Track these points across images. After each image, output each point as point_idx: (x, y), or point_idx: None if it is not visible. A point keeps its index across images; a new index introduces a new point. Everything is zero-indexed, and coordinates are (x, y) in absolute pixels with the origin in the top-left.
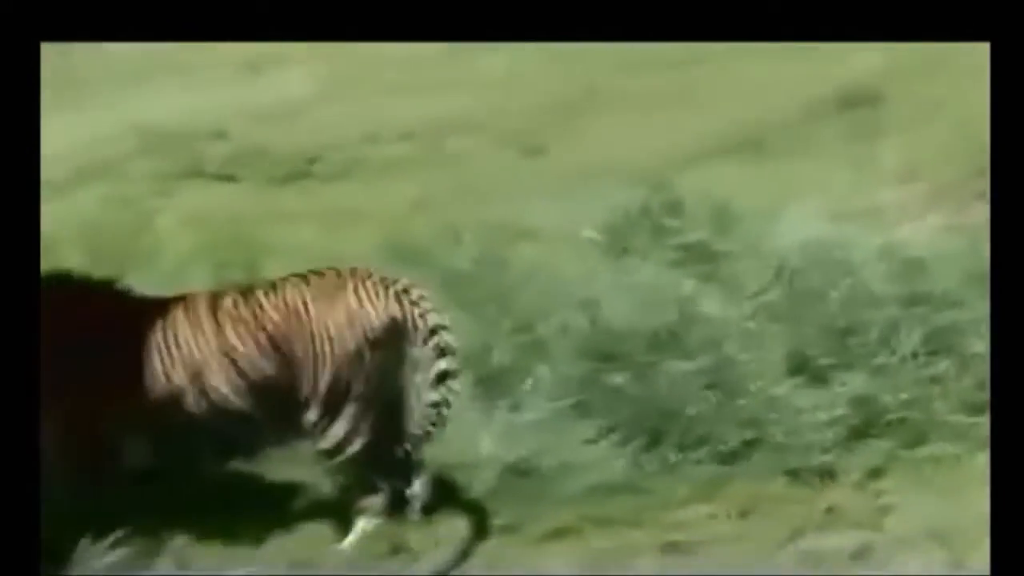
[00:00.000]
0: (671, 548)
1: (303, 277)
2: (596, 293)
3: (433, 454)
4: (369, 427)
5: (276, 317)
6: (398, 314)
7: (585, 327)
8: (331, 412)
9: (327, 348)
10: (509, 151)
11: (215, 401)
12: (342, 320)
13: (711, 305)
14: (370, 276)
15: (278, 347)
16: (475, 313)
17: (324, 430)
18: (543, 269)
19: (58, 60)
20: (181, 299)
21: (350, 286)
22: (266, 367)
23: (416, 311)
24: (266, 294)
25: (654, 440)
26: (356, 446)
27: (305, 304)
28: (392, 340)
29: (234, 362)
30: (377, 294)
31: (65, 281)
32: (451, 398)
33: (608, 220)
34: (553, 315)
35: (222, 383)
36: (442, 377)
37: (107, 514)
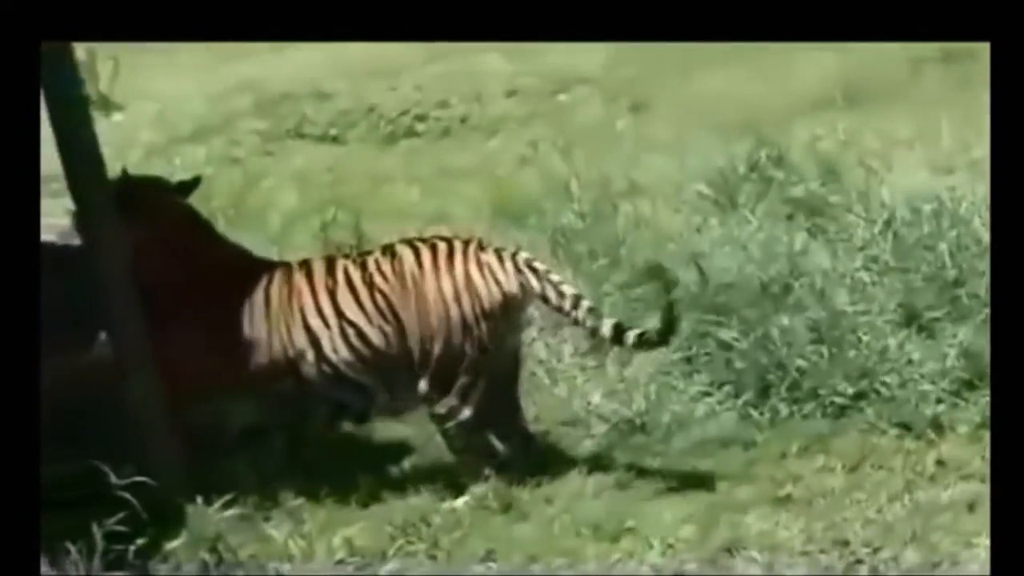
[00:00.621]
0: (782, 502)
1: (417, 244)
2: (705, 247)
3: (544, 410)
4: (482, 395)
5: (389, 285)
6: (513, 286)
7: (694, 281)
8: (443, 382)
9: (439, 318)
10: (616, 106)
11: (329, 367)
12: (455, 290)
13: (820, 258)
14: (485, 246)
15: (391, 316)
16: (584, 269)
17: (436, 399)
18: (652, 224)
19: None
20: (302, 263)
21: (464, 256)
22: (379, 335)
23: (550, 283)
24: (380, 261)
25: (764, 394)
26: (468, 413)
27: (419, 273)
28: (506, 310)
29: (348, 329)
30: (492, 265)
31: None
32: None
33: (716, 174)
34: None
35: (337, 350)
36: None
37: (219, 474)
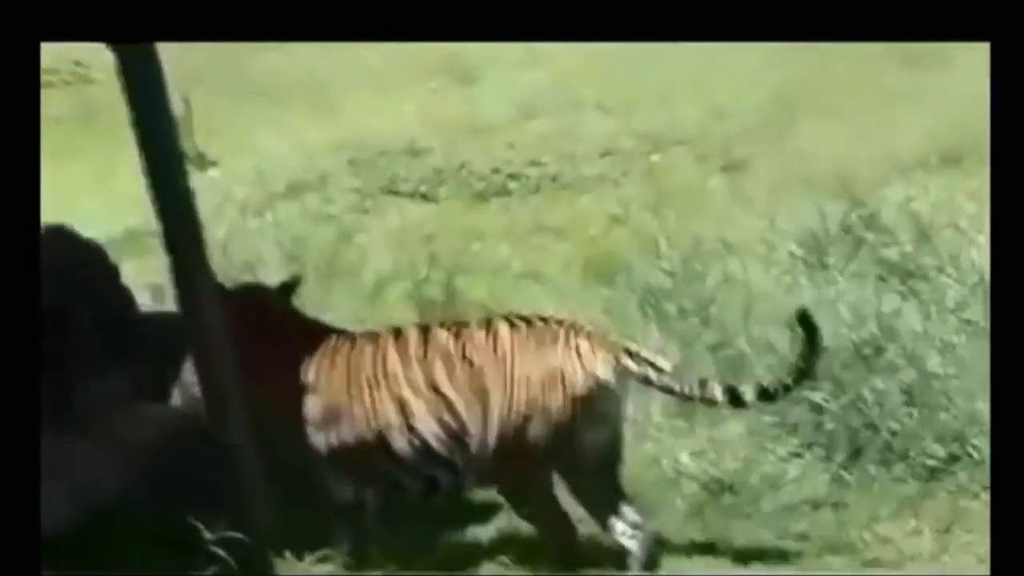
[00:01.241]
0: (873, 564)
1: (516, 321)
2: (796, 307)
3: (632, 469)
4: (574, 485)
5: (483, 361)
6: (607, 374)
7: (785, 342)
8: (522, 464)
9: (528, 401)
10: (709, 166)
11: (419, 441)
12: (547, 375)
13: (911, 319)
14: (581, 330)
15: (481, 392)
16: (674, 328)
17: (509, 479)
18: (743, 283)
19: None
20: (396, 332)
21: (559, 340)
22: (468, 411)
23: (649, 364)
24: (476, 335)
25: (855, 455)
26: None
27: (512, 352)
28: (598, 399)
29: (439, 402)
30: (585, 352)
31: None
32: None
33: (807, 234)
34: (753, 329)
35: (427, 423)
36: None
37: (313, 531)
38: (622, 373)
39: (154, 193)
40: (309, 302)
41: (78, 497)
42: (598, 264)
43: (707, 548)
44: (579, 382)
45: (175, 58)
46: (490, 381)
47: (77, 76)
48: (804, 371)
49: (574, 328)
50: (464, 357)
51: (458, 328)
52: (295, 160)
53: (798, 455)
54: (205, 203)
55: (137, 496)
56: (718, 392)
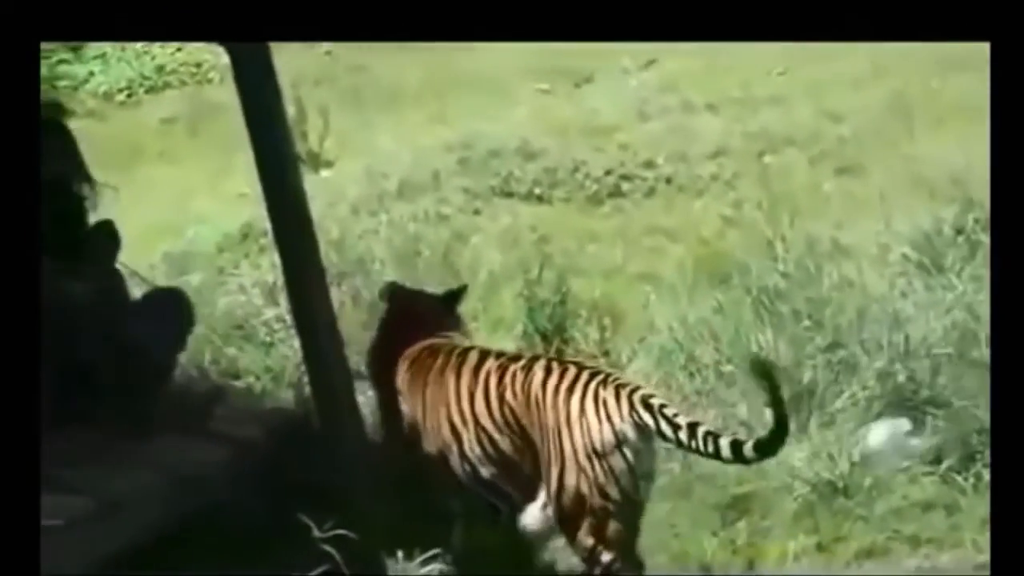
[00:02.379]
0: (984, 568)
1: (552, 364)
2: (909, 310)
3: (745, 472)
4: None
5: (517, 401)
6: (626, 427)
7: (898, 344)
8: (569, 517)
9: (553, 447)
10: (823, 168)
11: (469, 466)
12: (567, 422)
13: None
14: (610, 380)
15: (518, 430)
16: (787, 330)
17: (569, 533)
18: (857, 286)
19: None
20: (460, 354)
21: (584, 388)
22: (510, 446)
23: (665, 418)
24: (517, 374)
25: (968, 459)
26: (607, 557)
27: (541, 396)
28: (621, 450)
29: (482, 434)
30: (608, 402)
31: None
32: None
33: (922, 237)
34: (866, 332)
35: (475, 451)
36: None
37: (423, 531)
38: (641, 426)
39: (267, 192)
40: None
41: (188, 494)
42: (711, 265)
43: (818, 549)
44: (598, 432)
45: (290, 60)
46: (526, 421)
47: (194, 77)
48: (782, 423)
49: (603, 377)
50: (501, 397)
51: (506, 365)
52: (408, 161)
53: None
54: (318, 203)
55: (247, 493)
56: (725, 450)
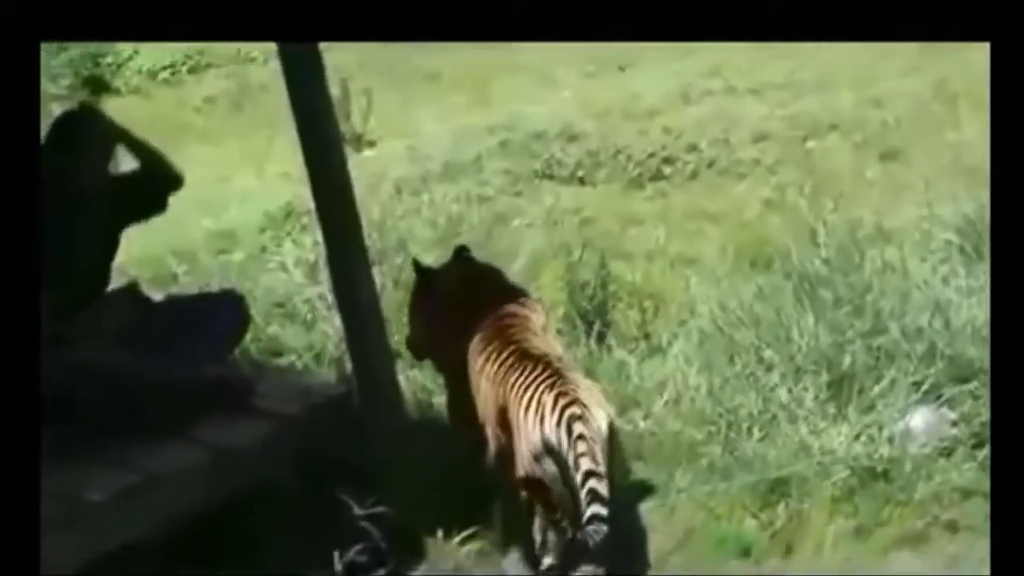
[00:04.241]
0: None
1: (535, 360)
2: (951, 296)
3: (784, 456)
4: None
5: (494, 392)
6: (551, 436)
7: (940, 330)
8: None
9: (516, 445)
10: (865, 153)
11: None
12: (515, 422)
13: None
14: (557, 384)
15: (502, 420)
16: (828, 315)
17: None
18: (900, 271)
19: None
20: (483, 334)
21: (534, 388)
22: (494, 436)
23: (575, 449)
24: (506, 363)
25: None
26: (547, 561)
27: (511, 392)
28: (550, 456)
29: (492, 426)
30: (546, 407)
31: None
32: (598, 539)
33: (965, 223)
34: (907, 317)
35: (490, 433)
36: (590, 520)
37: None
38: (560, 442)
39: (311, 172)
40: None
41: (230, 470)
42: (752, 250)
43: (856, 534)
44: (529, 434)
45: (333, 42)
46: (510, 414)
47: (237, 57)
48: None
49: (554, 379)
50: (488, 381)
51: (506, 350)
52: (450, 142)
53: (949, 445)
54: (360, 183)
55: (287, 470)
56: (591, 511)
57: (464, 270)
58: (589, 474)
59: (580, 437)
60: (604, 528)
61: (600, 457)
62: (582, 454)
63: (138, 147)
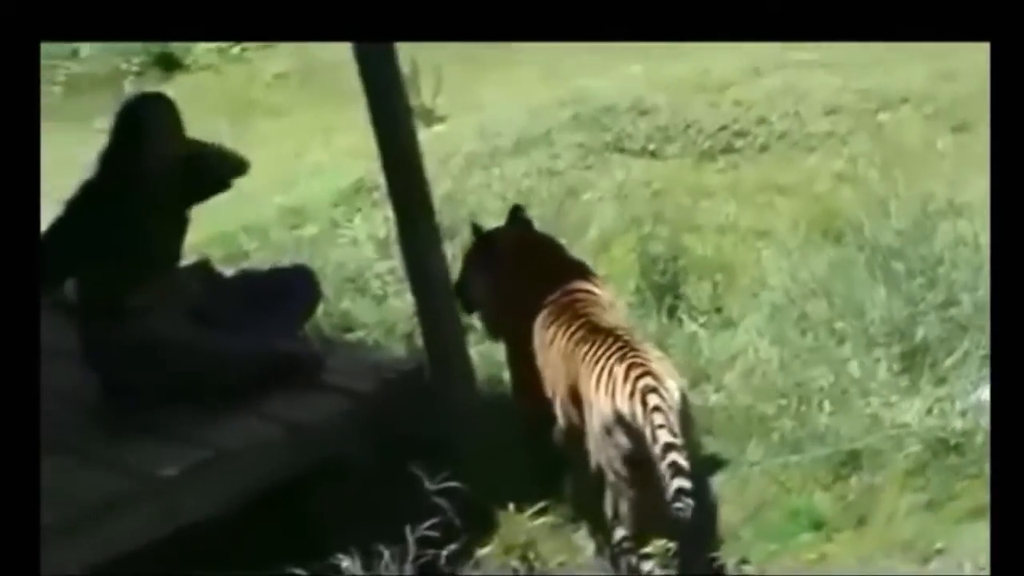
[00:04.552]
0: None
1: (595, 334)
2: None
3: (856, 429)
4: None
5: (564, 362)
6: (624, 407)
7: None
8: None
9: (589, 419)
10: (937, 126)
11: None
12: (587, 394)
13: None
14: (629, 356)
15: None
16: (901, 287)
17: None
18: (970, 244)
19: None
20: (552, 308)
21: (606, 360)
22: (577, 418)
23: (652, 421)
24: (577, 335)
25: None
26: (620, 533)
27: (582, 366)
28: (621, 427)
29: (561, 402)
30: (617, 378)
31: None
32: (688, 513)
33: None
34: (979, 291)
35: (559, 417)
36: (676, 496)
37: (531, 482)
38: (635, 414)
39: (381, 147)
40: None
41: (302, 445)
42: (824, 222)
43: (928, 507)
44: (601, 407)
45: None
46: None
47: None
48: None
49: (624, 350)
50: (561, 355)
51: (576, 323)
52: (520, 116)
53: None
54: (431, 158)
55: (359, 445)
56: (671, 488)
57: (522, 234)
58: (669, 447)
59: (656, 408)
60: (691, 502)
61: (677, 429)
62: (660, 426)
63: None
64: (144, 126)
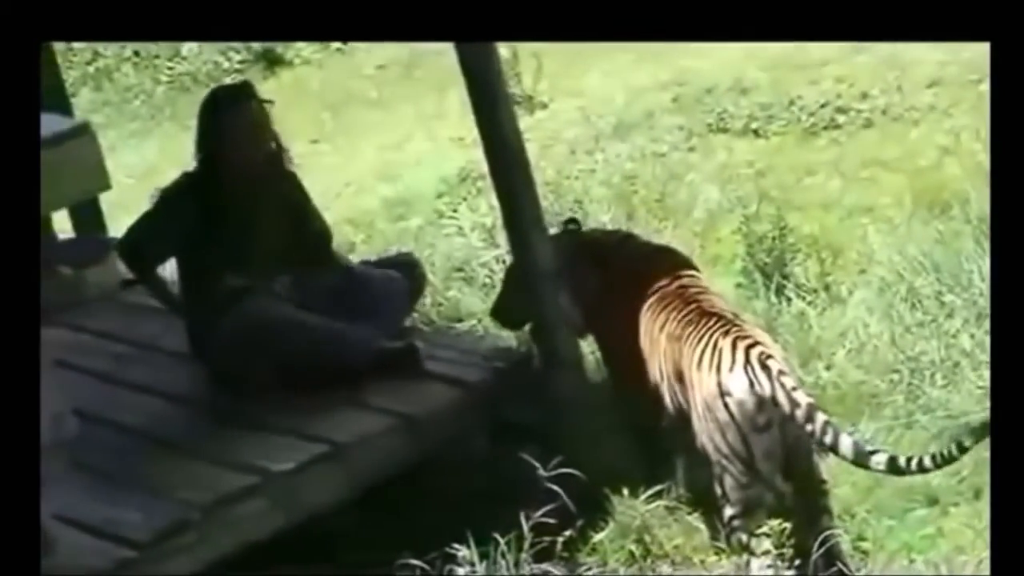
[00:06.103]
0: None
1: (699, 315)
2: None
3: (969, 403)
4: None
5: (669, 344)
6: (736, 383)
7: None
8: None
9: (692, 397)
10: None
11: (673, 407)
12: (689, 372)
13: None
14: (733, 331)
15: (677, 375)
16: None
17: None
18: None
19: None
20: (661, 294)
21: (709, 336)
22: (670, 394)
23: (783, 384)
24: (681, 313)
25: None
26: (729, 512)
27: (684, 346)
28: (722, 402)
29: (669, 383)
30: (723, 351)
31: None
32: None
33: None
34: None
35: (667, 401)
36: (859, 447)
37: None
38: (755, 385)
39: (483, 136)
40: None
41: (414, 435)
42: (930, 196)
43: None
44: (705, 384)
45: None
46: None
47: None
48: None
49: (725, 325)
50: (666, 337)
51: (685, 306)
52: (621, 100)
53: None
54: (533, 145)
55: (472, 434)
56: (846, 447)
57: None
58: (813, 407)
59: (782, 372)
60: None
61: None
62: (794, 388)
63: None
64: (222, 114)
